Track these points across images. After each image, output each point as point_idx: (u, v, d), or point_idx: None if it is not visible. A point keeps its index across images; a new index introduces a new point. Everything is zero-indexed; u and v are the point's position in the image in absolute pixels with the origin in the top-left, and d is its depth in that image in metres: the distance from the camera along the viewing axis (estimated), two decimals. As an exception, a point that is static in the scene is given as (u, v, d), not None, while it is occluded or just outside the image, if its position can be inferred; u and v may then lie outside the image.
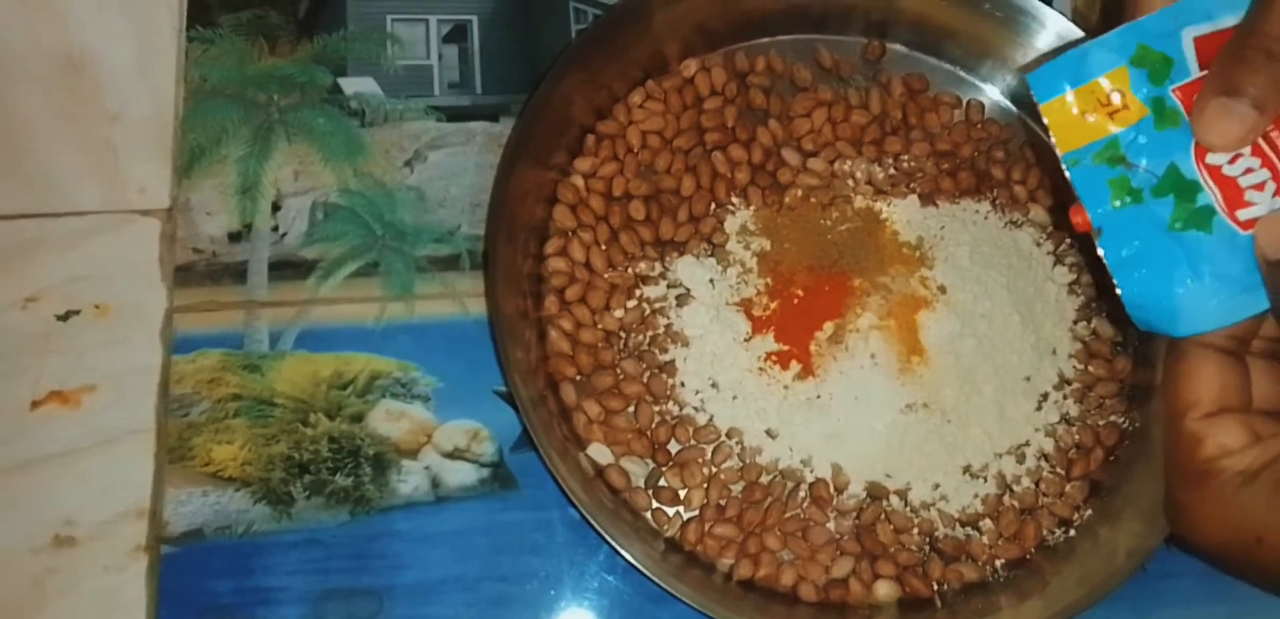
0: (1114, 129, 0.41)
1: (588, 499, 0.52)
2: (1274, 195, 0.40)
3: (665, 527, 0.55)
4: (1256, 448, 0.40)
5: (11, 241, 0.58)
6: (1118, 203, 0.41)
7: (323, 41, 0.64)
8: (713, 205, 0.61)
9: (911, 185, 0.62)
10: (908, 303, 0.59)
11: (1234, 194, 0.40)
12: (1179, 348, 0.42)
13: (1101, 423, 0.59)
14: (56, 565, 0.53)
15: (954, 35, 0.64)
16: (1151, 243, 0.41)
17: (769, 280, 0.59)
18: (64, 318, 0.57)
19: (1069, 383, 0.59)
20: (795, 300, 0.59)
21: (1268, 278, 0.39)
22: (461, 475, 0.57)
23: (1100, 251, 0.41)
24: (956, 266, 0.60)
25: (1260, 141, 0.40)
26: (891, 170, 0.63)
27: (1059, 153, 0.42)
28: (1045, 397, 0.59)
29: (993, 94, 0.65)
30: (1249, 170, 0.40)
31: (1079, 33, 0.61)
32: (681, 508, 0.56)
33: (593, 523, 0.51)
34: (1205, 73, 0.41)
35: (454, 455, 0.57)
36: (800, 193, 0.61)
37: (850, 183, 0.62)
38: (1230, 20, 0.41)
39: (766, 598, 0.54)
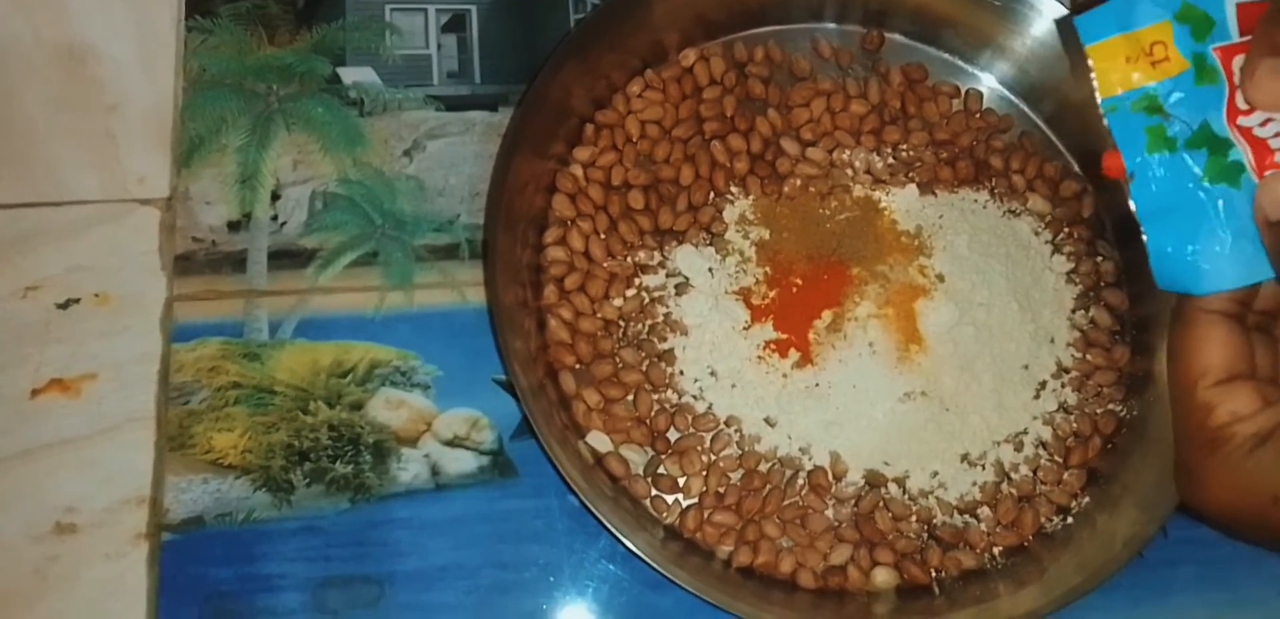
0: (1155, 79, 0.42)
1: (587, 487, 0.52)
2: None
3: (664, 514, 0.55)
4: (1267, 411, 0.41)
5: (12, 231, 0.58)
6: (1153, 151, 0.42)
7: (322, 31, 0.64)
8: (712, 195, 0.61)
9: (910, 174, 0.62)
10: (906, 291, 0.59)
11: (1263, 153, 0.41)
12: (1186, 316, 0.43)
13: (1099, 411, 0.59)
14: (58, 553, 0.53)
15: (953, 25, 0.64)
16: (1182, 193, 0.41)
17: (768, 269, 0.59)
18: (64, 306, 0.57)
19: (1067, 371, 0.59)
20: (794, 289, 0.59)
21: (1267, 239, 0.40)
22: (461, 463, 0.57)
23: (1131, 202, 0.42)
24: (955, 255, 0.60)
25: None
26: (890, 160, 0.63)
27: (1099, 97, 0.43)
28: (1043, 385, 0.59)
29: (991, 83, 0.65)
30: (1279, 132, 0.40)
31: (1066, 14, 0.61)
32: (680, 495, 0.56)
33: (592, 511, 0.51)
34: (1246, 37, 0.41)
35: (454, 443, 0.57)
36: (799, 182, 0.61)
37: (849, 172, 0.62)
38: None
39: (765, 585, 0.54)
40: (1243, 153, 0.41)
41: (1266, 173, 0.40)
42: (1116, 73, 0.43)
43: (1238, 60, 0.41)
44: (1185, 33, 0.42)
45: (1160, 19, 0.42)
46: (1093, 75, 0.43)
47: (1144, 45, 0.42)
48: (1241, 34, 0.41)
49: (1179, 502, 0.50)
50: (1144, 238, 0.42)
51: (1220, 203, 0.41)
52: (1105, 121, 0.43)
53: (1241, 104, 0.41)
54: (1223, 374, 0.42)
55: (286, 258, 0.59)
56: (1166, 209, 0.42)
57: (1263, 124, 0.41)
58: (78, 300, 0.57)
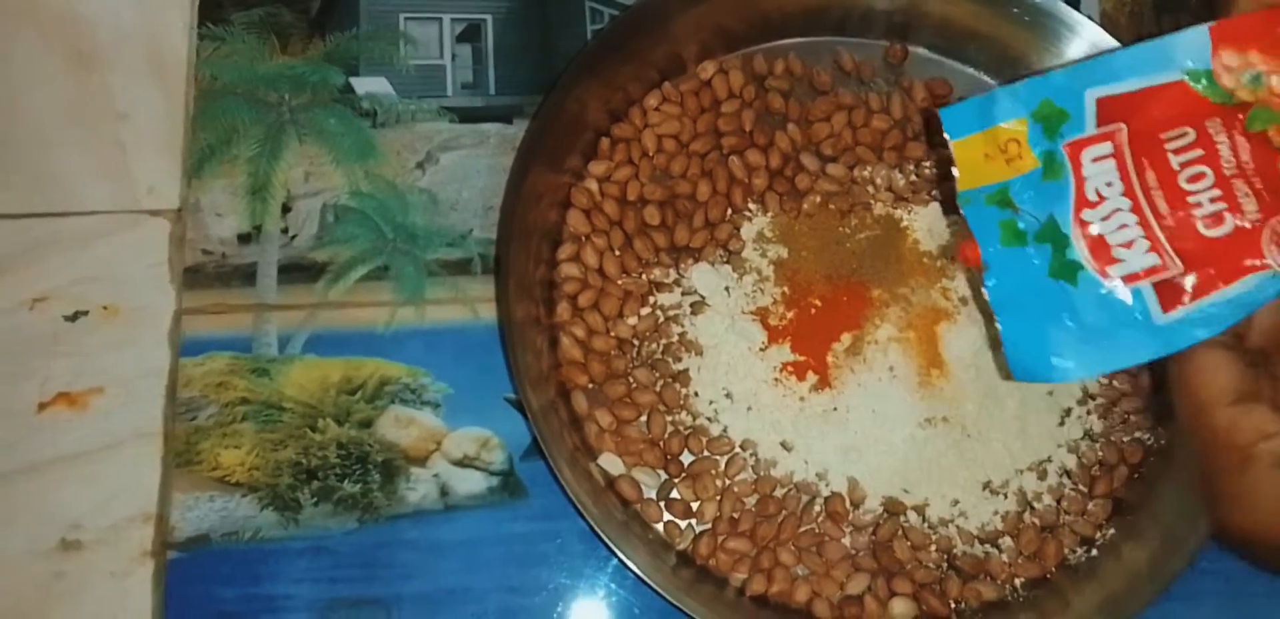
0: (1008, 175, 0.43)
1: (597, 511, 0.51)
2: (1145, 252, 0.41)
3: (677, 540, 0.54)
4: None
5: (20, 241, 0.57)
6: (1006, 244, 0.43)
7: (335, 40, 0.63)
8: (729, 211, 0.60)
9: (933, 192, 0.61)
10: (928, 314, 0.58)
11: (1103, 251, 0.41)
12: (1186, 350, 0.42)
13: (1126, 439, 0.57)
14: (63, 570, 0.53)
15: (979, 39, 0.63)
16: (1031, 285, 0.42)
17: (786, 289, 0.58)
18: (72, 319, 0.57)
19: (1093, 398, 0.58)
20: (813, 310, 0.57)
21: None
22: (470, 484, 0.56)
23: (985, 290, 0.43)
24: (979, 277, 0.58)
25: (1141, 200, 0.41)
26: (913, 177, 0.61)
27: (958, 190, 0.44)
28: (1068, 412, 0.57)
29: (1018, 99, 0.64)
30: (1123, 226, 0.41)
31: (1110, 40, 0.60)
32: (694, 521, 0.55)
33: (602, 535, 0.50)
34: (1102, 129, 0.42)
35: (463, 463, 0.56)
36: (819, 199, 0.60)
37: (870, 189, 0.61)
38: (1137, 83, 0.42)
39: (780, 614, 0.53)
40: (1080, 251, 0.42)
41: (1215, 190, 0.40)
42: (976, 168, 0.44)
43: (1088, 153, 0.42)
44: (1039, 131, 0.43)
45: (1018, 117, 0.43)
46: (954, 168, 0.44)
47: (1000, 142, 0.44)
48: (1099, 126, 0.42)
49: (1214, 536, 0.48)
50: (998, 327, 0.43)
51: (1064, 297, 0.42)
52: (962, 213, 0.44)
53: (1090, 195, 0.42)
54: (1238, 395, 0.41)
55: (297, 271, 0.59)
56: (1018, 301, 0.42)
57: (1105, 219, 0.41)
58: (86, 313, 0.57)
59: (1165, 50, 0.41)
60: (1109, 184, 0.42)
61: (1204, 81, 0.41)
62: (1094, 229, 0.41)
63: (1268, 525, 0.41)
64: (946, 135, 0.44)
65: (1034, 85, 0.43)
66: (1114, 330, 0.41)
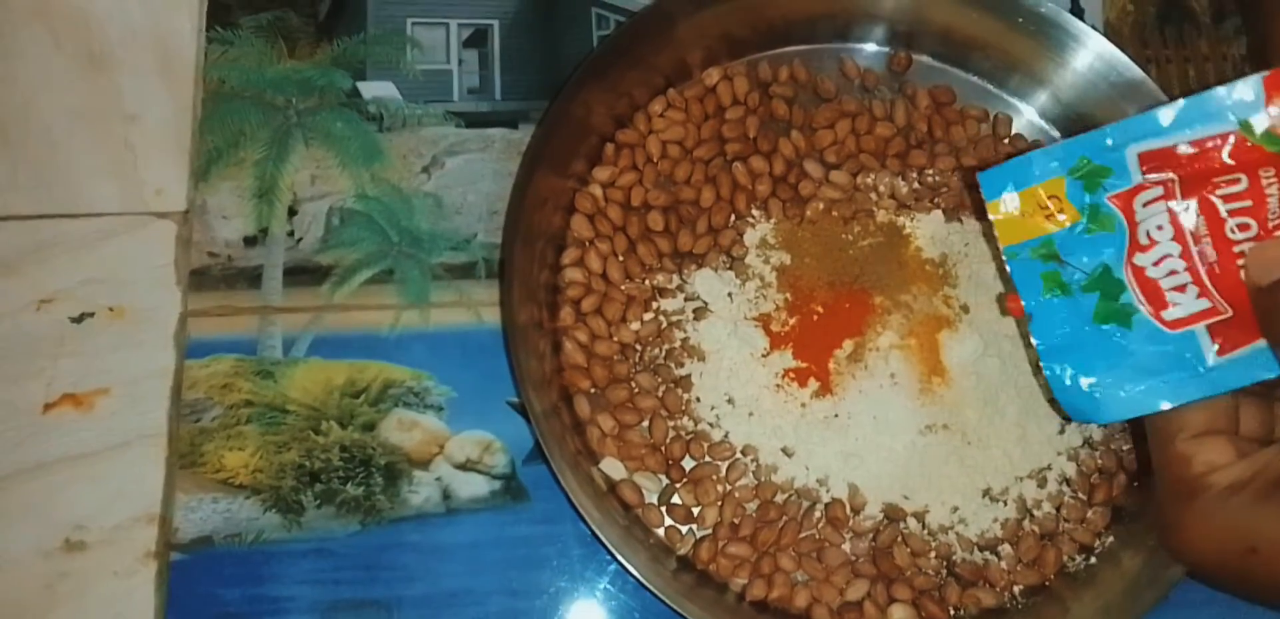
0: (1049, 230, 0.44)
1: (599, 515, 0.51)
2: (1197, 296, 0.42)
3: (678, 545, 0.54)
4: (1242, 463, 0.41)
5: (27, 242, 0.58)
6: (1048, 294, 0.45)
7: (342, 44, 0.63)
8: (732, 217, 0.60)
9: (936, 200, 0.61)
10: (930, 322, 0.58)
11: (1156, 294, 0.43)
12: None
13: (1125, 447, 0.58)
14: (67, 570, 0.53)
15: (983, 47, 0.63)
16: (1077, 332, 0.44)
17: (788, 295, 0.58)
18: (78, 320, 0.57)
19: (1094, 406, 0.58)
20: (815, 317, 0.58)
21: (1256, 303, 0.41)
22: (473, 487, 0.56)
23: (1033, 339, 0.45)
24: (981, 285, 0.59)
25: (1190, 244, 0.42)
26: (915, 184, 0.61)
27: (1000, 246, 0.45)
28: (1068, 419, 0.57)
29: (1021, 108, 0.64)
30: (1173, 272, 0.42)
31: (1113, 49, 0.60)
32: (695, 526, 0.55)
33: (603, 540, 0.50)
34: (1148, 177, 0.43)
35: (466, 467, 0.56)
36: (822, 206, 0.60)
37: (873, 196, 0.61)
38: (1183, 136, 0.42)
39: (779, 620, 0.53)
40: (1135, 294, 0.43)
41: (1259, 244, 0.41)
42: (1016, 225, 0.45)
43: (1139, 198, 0.43)
44: (1078, 186, 0.44)
45: (1055, 175, 0.44)
46: (995, 229, 0.45)
47: (1040, 200, 0.45)
48: (1144, 175, 0.43)
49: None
50: (1044, 372, 0.45)
51: (1112, 341, 0.43)
52: (1007, 268, 0.45)
53: (1143, 239, 0.43)
54: (1200, 428, 0.43)
55: (302, 274, 0.59)
56: (1064, 347, 0.44)
57: (1156, 263, 0.43)
58: (92, 314, 0.57)
59: (1214, 102, 0.41)
60: (1160, 227, 0.43)
61: (1258, 131, 0.41)
62: (1147, 273, 0.43)
63: (1212, 556, 0.42)
64: (985, 199, 0.45)
65: (1071, 146, 0.44)
66: (1165, 371, 0.43)
